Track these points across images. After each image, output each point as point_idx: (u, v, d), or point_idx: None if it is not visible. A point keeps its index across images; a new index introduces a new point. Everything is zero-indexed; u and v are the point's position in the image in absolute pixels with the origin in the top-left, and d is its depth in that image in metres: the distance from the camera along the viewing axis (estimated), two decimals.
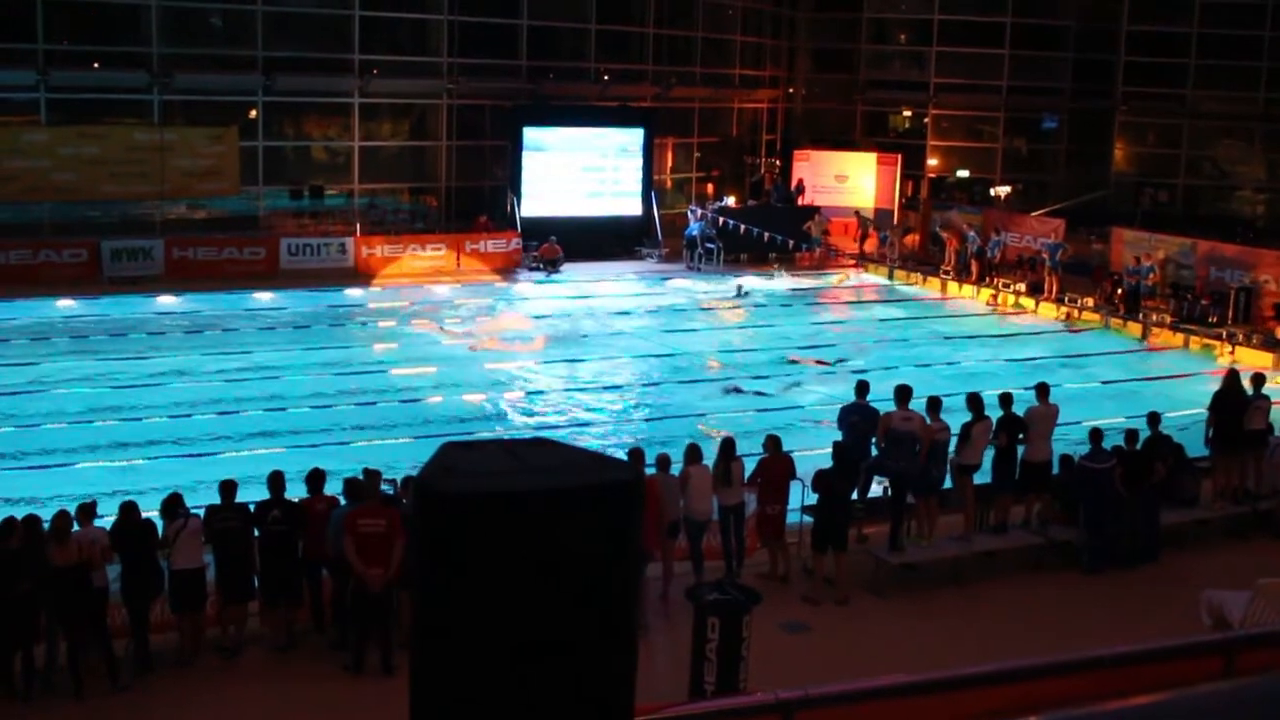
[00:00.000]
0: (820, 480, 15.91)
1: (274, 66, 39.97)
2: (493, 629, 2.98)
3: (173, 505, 13.74)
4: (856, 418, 17.73)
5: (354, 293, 35.88)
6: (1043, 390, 18.32)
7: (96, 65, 39.64)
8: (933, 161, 54.29)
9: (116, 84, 39.47)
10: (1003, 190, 52.44)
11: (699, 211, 43.03)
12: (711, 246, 41.13)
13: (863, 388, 18.13)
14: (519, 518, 3.00)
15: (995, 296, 37.80)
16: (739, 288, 37.63)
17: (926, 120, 54.89)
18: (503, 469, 3.12)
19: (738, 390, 26.42)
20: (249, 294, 34.81)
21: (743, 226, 41.58)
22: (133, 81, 38.83)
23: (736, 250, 41.73)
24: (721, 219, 42.21)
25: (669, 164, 49.22)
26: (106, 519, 13.76)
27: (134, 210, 39.34)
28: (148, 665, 13.42)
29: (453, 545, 2.98)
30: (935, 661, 14.36)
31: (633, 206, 43.59)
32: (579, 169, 42.76)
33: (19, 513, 13.42)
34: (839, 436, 17.59)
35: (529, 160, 41.88)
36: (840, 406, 18.44)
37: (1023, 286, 37.44)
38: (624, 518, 3.16)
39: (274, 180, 41.44)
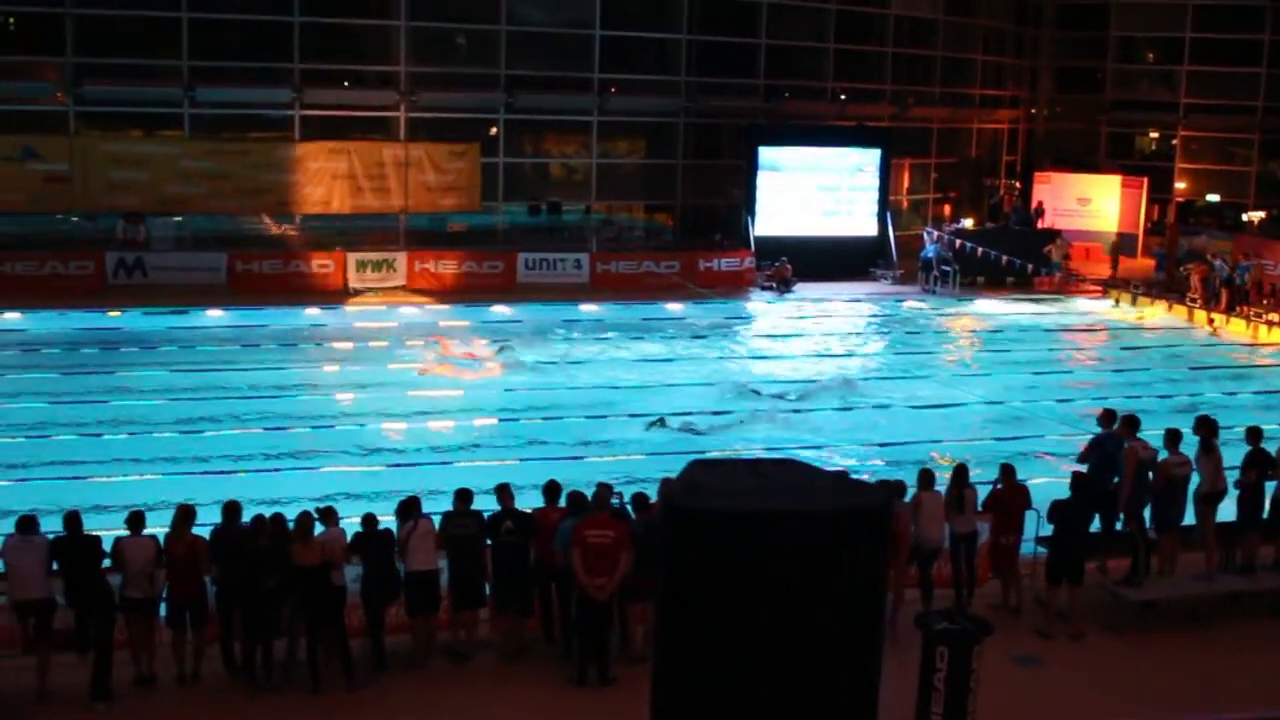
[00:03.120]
0: (1057, 511, 15.42)
1: (516, 84, 40.89)
2: (735, 645, 2.94)
3: (407, 508, 14.05)
4: (1111, 448, 17.10)
5: (588, 308, 36.29)
6: None
7: (346, 84, 41.11)
8: (1181, 185, 52.43)
9: (365, 102, 40.88)
10: (1255, 216, 50.26)
11: (935, 233, 42.38)
12: (947, 269, 40.46)
13: (1110, 417, 17.50)
14: (765, 537, 2.96)
15: (1211, 321, 36.45)
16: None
17: (1175, 142, 53.06)
18: (749, 488, 3.09)
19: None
20: (487, 306, 35.52)
21: (980, 249, 40.80)
22: (381, 99, 40.24)
23: (973, 273, 40.96)
24: (958, 241, 41.48)
25: (905, 184, 48.64)
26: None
27: (379, 223, 40.66)
28: (382, 665, 13.75)
29: (699, 561, 2.96)
30: (1171, 706, 13.87)
31: (868, 227, 43.16)
32: (814, 188, 42.56)
33: (267, 512, 13.87)
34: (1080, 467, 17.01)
35: (764, 179, 41.87)
36: (1089, 438, 17.81)
37: (1276, 316, 35.83)
38: (871, 543, 3.10)
39: (513, 196, 42.38)
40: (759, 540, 3.07)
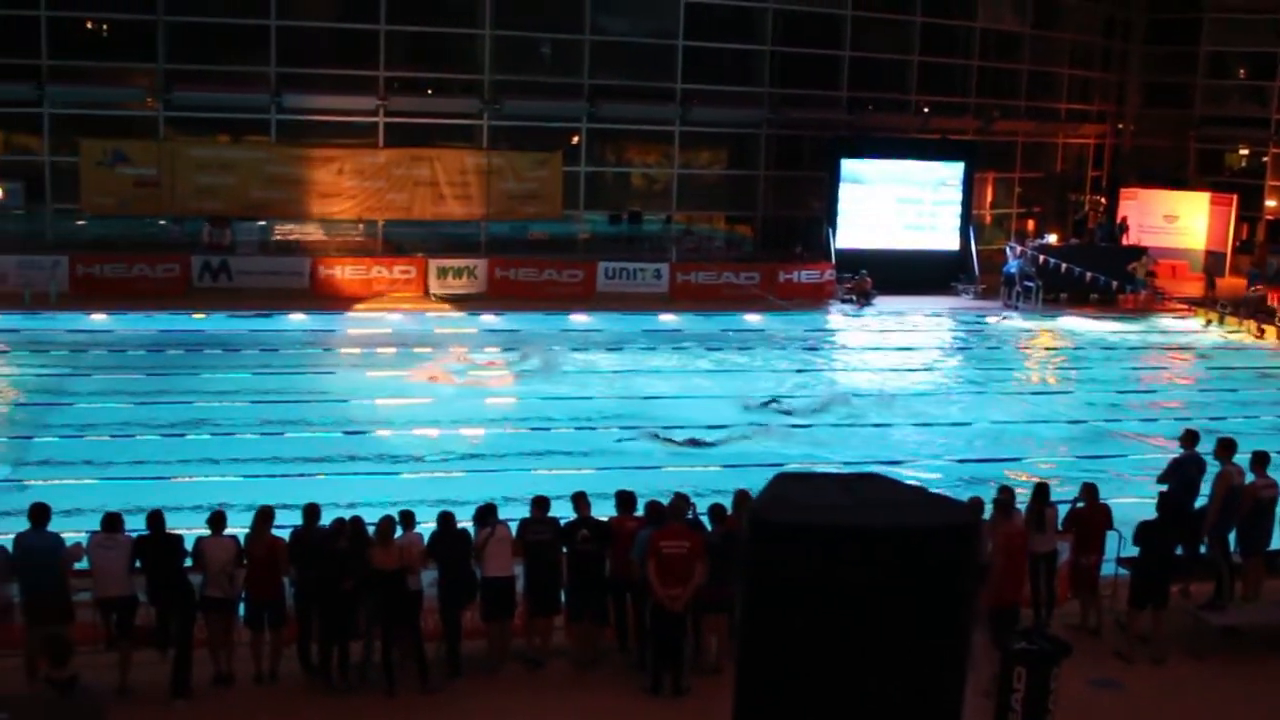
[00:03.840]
0: (1144, 533, 15.16)
1: (598, 94, 41.03)
2: (819, 662, 2.91)
3: (484, 514, 14.10)
4: (1193, 469, 16.82)
5: (667, 318, 36.30)
6: None
7: (430, 91, 41.46)
8: (1271, 203, 51.53)
9: (449, 110, 41.20)
10: None
11: (1018, 248, 41.98)
12: (1030, 285, 40.05)
13: (1192, 437, 17.17)
14: (853, 553, 2.93)
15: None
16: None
17: (1266, 159, 52.14)
18: (837, 503, 3.06)
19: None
20: (566, 315, 35.64)
21: (1064, 265, 40.35)
22: (464, 107, 40.54)
23: (1056, 289, 40.53)
24: (1041, 257, 41.05)
25: (989, 199, 48.25)
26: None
27: (460, 231, 40.95)
28: (457, 669, 13.81)
29: (784, 575, 2.93)
30: None
31: (950, 241, 42.85)
32: (896, 201, 42.34)
33: (346, 515, 13.97)
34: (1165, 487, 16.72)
35: (846, 191, 41.71)
36: (1171, 458, 17.49)
37: None
38: (959, 560, 3.05)
39: (594, 205, 42.50)
40: (846, 556, 3.02)
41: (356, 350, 30.69)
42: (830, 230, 41.43)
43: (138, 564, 13.21)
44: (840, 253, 40.92)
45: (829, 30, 43.73)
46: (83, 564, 13.16)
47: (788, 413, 25.81)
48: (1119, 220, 48.08)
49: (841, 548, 3.01)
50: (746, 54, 43.56)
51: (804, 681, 3.05)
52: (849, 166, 41.84)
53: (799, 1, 43.36)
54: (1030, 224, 48.95)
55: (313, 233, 40.64)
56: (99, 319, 33.08)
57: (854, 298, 39.30)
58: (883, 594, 3.02)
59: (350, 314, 34.44)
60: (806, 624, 3.00)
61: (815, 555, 3.02)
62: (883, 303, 39.06)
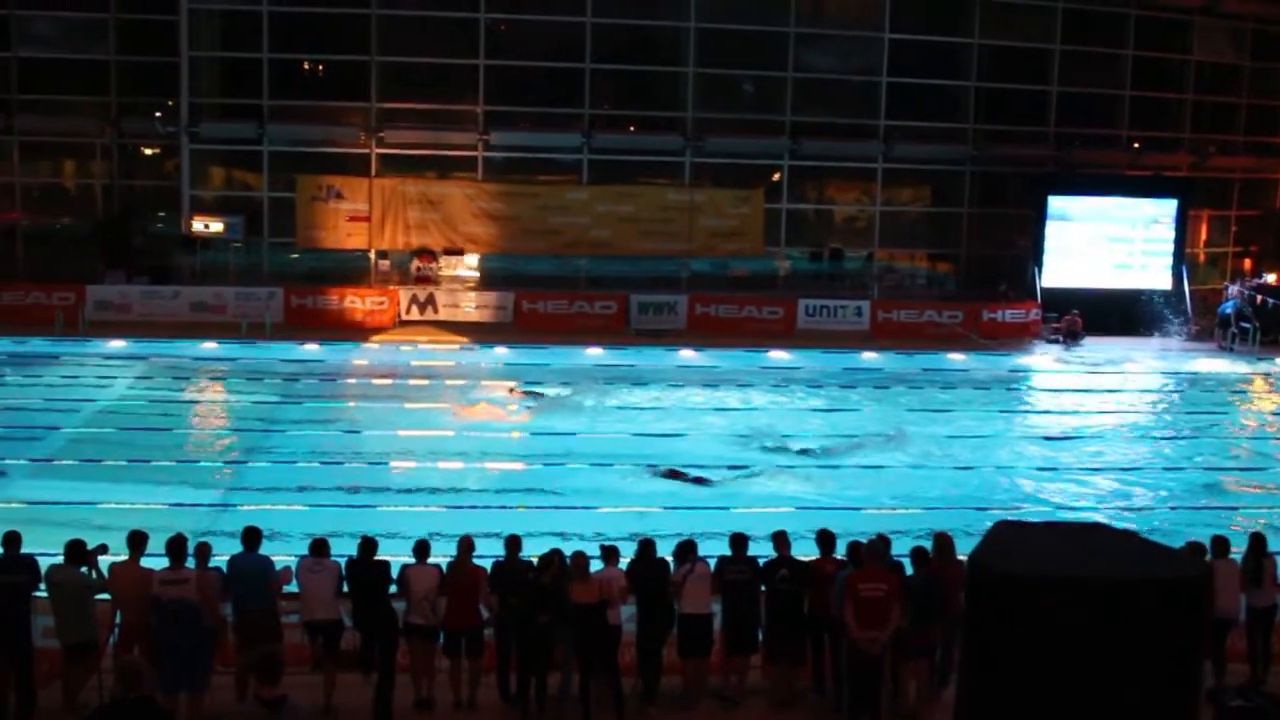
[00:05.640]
0: None
1: (800, 131, 41.01)
2: (1040, 712, 2.80)
3: (685, 550, 14.07)
4: None
5: (869, 356, 35.94)
6: None
7: (632, 129, 41.91)
8: None
9: (652, 146, 41.58)
10: None
11: (1234, 288, 40.54)
12: (1246, 326, 38.63)
13: None
14: (1078, 604, 2.81)
15: None
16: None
17: None
18: (1059, 553, 2.95)
19: None
20: (765, 351, 35.54)
21: None
22: (667, 144, 40.88)
23: (1275, 331, 38.99)
24: (1259, 297, 39.58)
25: (1203, 237, 46.70)
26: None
27: (661, 267, 41.25)
28: (652, 704, 13.79)
29: (1005, 626, 2.83)
30: None
31: (1161, 280, 41.56)
32: (1105, 239, 41.29)
33: (538, 548, 14.09)
34: None
35: (1053, 229, 40.86)
36: None
37: None
38: (1188, 614, 2.91)
39: (795, 242, 42.43)
40: (1071, 607, 2.90)
41: (556, 383, 30.91)
42: (1036, 269, 40.59)
43: (344, 588, 13.52)
44: (1046, 291, 40.04)
45: (1036, 65, 42.99)
46: (291, 587, 13.51)
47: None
48: None
49: (1068, 599, 2.88)
50: (951, 90, 43.06)
51: None
52: (1056, 204, 40.96)
53: (1005, 37, 42.70)
54: (1247, 263, 47.23)
55: (517, 267, 41.34)
56: (311, 349, 34.14)
57: (1061, 337, 38.38)
58: (1108, 648, 2.89)
59: (553, 347, 34.84)
60: (1030, 675, 2.89)
61: (1041, 606, 2.90)
62: (1091, 343, 38.07)
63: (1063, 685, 2.91)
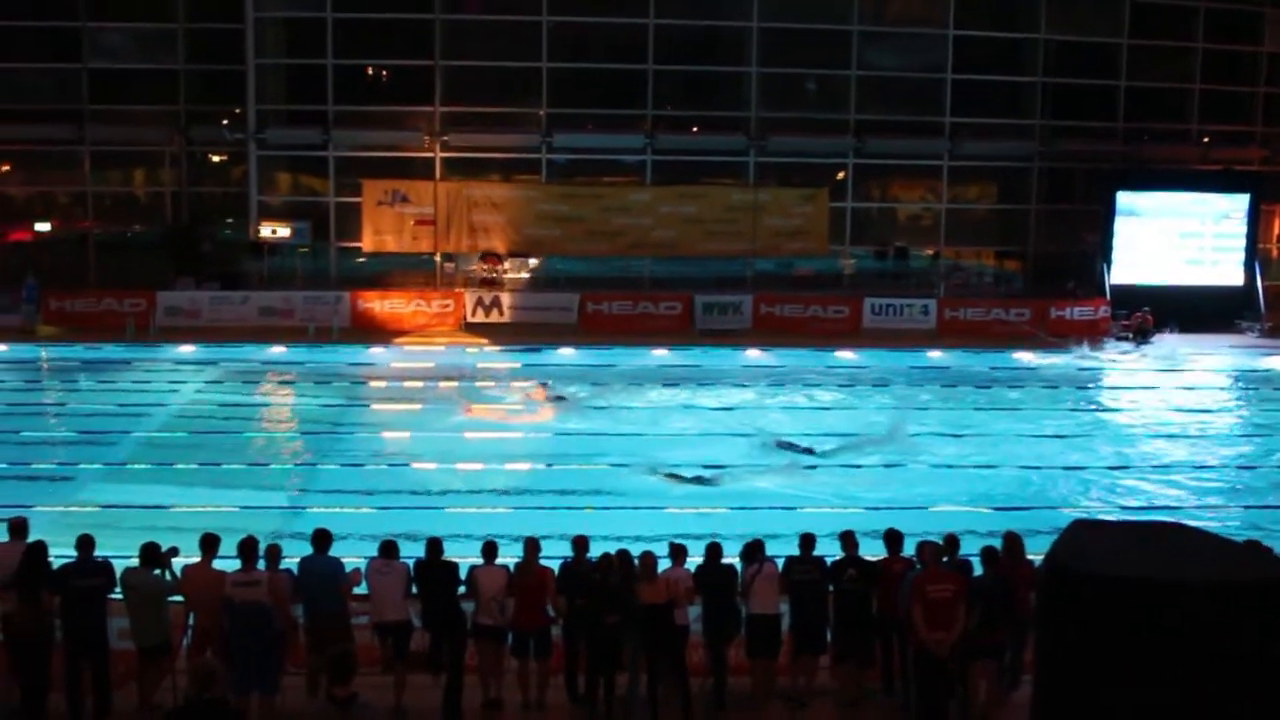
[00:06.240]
0: None
1: (865, 129, 40.84)
2: (1121, 714, 2.74)
3: (753, 551, 14.02)
4: None
5: (935, 354, 35.71)
6: None
7: (695, 129, 41.90)
8: None
9: (715, 147, 41.55)
10: None
11: None
12: None
13: None
14: (1157, 605, 2.76)
15: None
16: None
17: None
18: (1138, 553, 2.89)
19: None
20: (831, 351, 35.40)
21: None
22: (730, 144, 40.84)
23: None
24: None
25: (1275, 232, 45.99)
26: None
27: (726, 267, 41.20)
28: (721, 704, 13.73)
29: (1087, 629, 2.78)
30: None
31: (1233, 277, 41.01)
32: (1175, 235, 40.77)
33: (613, 548, 14.08)
34: None
35: (1122, 225, 40.39)
36: None
37: None
38: (1274, 617, 2.85)
39: (860, 240, 42.24)
40: (1160, 611, 2.84)
41: (621, 385, 30.94)
42: (1105, 265, 40.15)
43: (413, 590, 13.58)
44: (1115, 288, 39.60)
45: (1104, 60, 42.53)
46: (361, 588, 13.60)
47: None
48: None
49: (1151, 601, 2.83)
50: (1017, 86, 42.72)
51: None
52: (1125, 199, 40.50)
53: (1072, 31, 42.28)
54: None
55: (581, 269, 41.46)
56: (377, 352, 34.39)
57: (1131, 335, 37.92)
58: (1200, 653, 2.83)
59: (617, 348, 34.89)
60: (1111, 681, 2.83)
61: (1122, 609, 2.84)
62: (1161, 341, 37.59)
63: (1148, 690, 2.85)
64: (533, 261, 41.47)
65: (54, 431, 27.36)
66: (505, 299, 38.53)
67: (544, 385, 30.24)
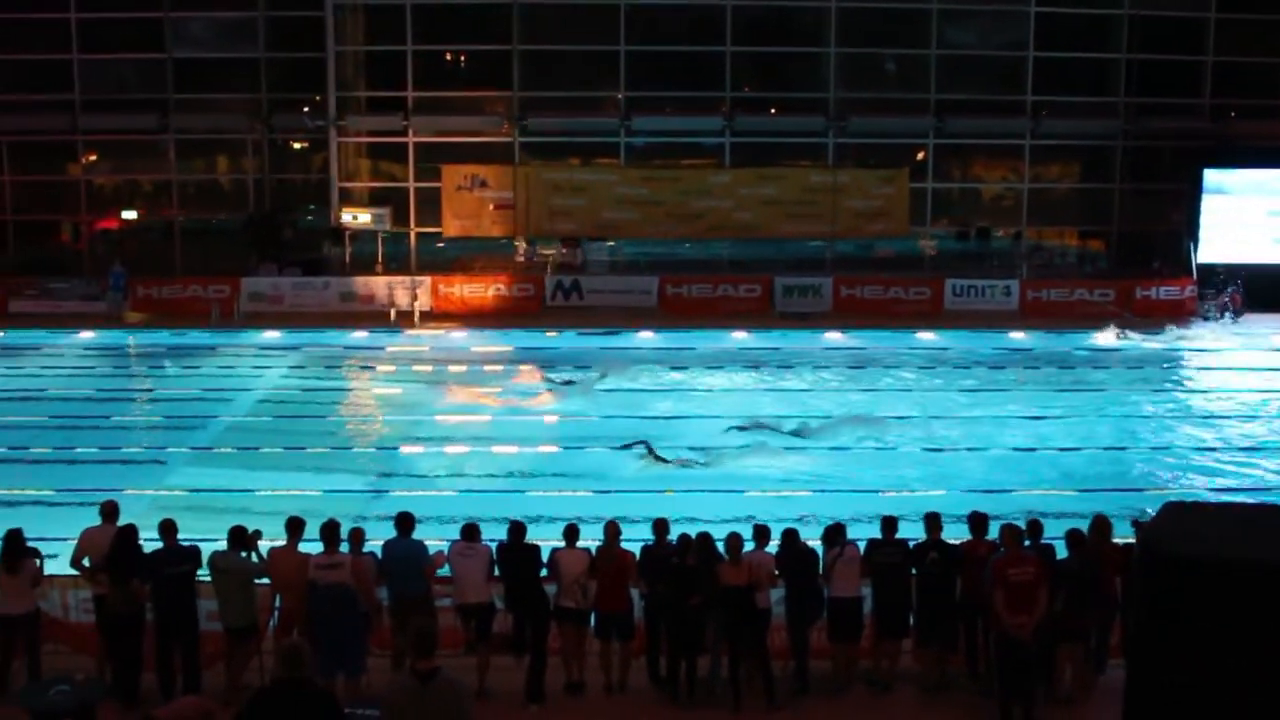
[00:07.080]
0: None
1: (945, 109, 40.44)
2: (1224, 706, 2.69)
3: (834, 534, 13.97)
4: None
5: (1018, 335, 35.33)
6: None
7: (774, 111, 41.71)
8: None
9: (794, 128, 41.37)
10: None
11: None
12: None
13: None
14: (1255, 588, 2.70)
15: None
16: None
17: None
18: (1235, 535, 2.84)
19: None
20: (912, 333, 35.15)
21: None
22: (809, 125, 40.62)
23: None
24: None
25: None
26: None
27: (805, 249, 41.01)
28: (803, 688, 13.70)
29: (1179, 609, 2.73)
30: None
31: None
32: (1264, 213, 39.97)
33: (693, 531, 14.06)
34: None
35: (1209, 203, 39.67)
36: None
37: None
38: None
39: (940, 221, 41.87)
40: (1248, 590, 2.78)
41: (701, 369, 30.88)
42: (1191, 244, 39.48)
43: (496, 572, 13.66)
44: (1202, 268, 38.95)
45: (1190, 35, 41.74)
46: (444, 571, 13.69)
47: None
48: None
49: (1253, 584, 2.76)
50: (1101, 63, 42.08)
51: (1196, 714, 2.83)
52: (1212, 177, 39.79)
53: (1157, 6, 41.53)
54: None
55: (661, 252, 41.45)
56: (458, 336, 34.61)
57: (1219, 314, 37.29)
58: None
59: (697, 331, 34.84)
60: (1208, 664, 2.78)
61: (1222, 591, 2.78)
62: (1251, 320, 36.95)
63: (1245, 673, 2.79)
64: (610, 244, 41.45)
65: (142, 417, 27.81)
66: (585, 282, 38.60)
67: (612, 367, 30.20)
